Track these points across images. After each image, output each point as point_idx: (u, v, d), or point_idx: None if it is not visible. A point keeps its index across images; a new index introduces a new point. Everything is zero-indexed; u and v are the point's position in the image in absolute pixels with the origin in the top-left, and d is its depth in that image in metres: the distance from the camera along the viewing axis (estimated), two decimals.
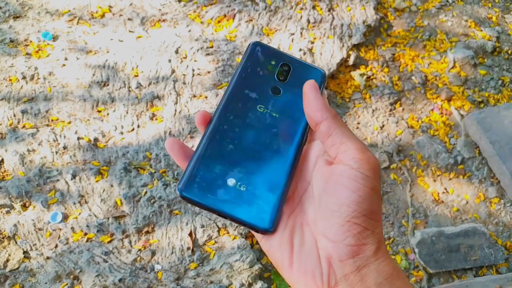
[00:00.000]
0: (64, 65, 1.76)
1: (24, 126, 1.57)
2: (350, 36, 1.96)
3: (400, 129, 1.79)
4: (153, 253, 1.36)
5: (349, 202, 0.33)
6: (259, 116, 0.40)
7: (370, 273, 0.32)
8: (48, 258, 1.31)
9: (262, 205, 0.36)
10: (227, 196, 0.36)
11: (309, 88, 0.38)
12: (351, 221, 0.32)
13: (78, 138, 1.55)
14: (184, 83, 1.76)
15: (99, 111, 1.65)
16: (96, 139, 1.56)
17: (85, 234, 1.36)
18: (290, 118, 0.40)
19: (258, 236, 0.37)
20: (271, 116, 0.40)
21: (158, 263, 1.34)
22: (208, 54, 1.83)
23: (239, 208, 0.36)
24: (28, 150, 1.50)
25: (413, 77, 1.95)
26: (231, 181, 0.37)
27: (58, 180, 1.46)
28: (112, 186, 1.46)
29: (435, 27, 2.13)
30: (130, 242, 1.37)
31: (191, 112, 1.68)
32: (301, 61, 0.43)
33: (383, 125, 1.80)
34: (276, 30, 1.97)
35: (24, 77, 1.68)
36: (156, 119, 1.66)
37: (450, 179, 1.67)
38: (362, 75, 1.92)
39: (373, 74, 1.94)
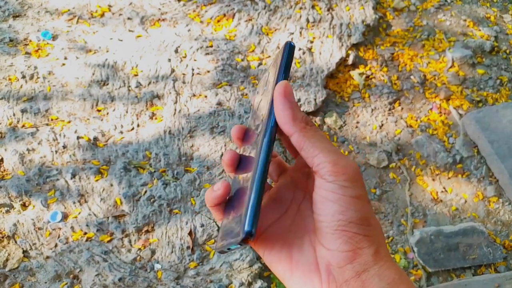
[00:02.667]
0: (63, 64, 1.76)
1: (23, 125, 1.57)
2: (349, 36, 1.97)
3: (399, 128, 1.79)
4: (153, 252, 1.36)
5: (333, 213, 0.33)
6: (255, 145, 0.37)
7: (371, 278, 0.32)
8: (47, 257, 1.31)
9: (239, 220, 0.33)
10: (229, 233, 0.35)
11: (277, 95, 0.35)
12: (339, 229, 0.33)
13: (78, 137, 1.55)
14: (183, 82, 1.76)
15: (98, 110, 1.65)
16: (95, 138, 1.56)
17: (85, 233, 1.36)
18: (264, 122, 0.36)
19: (260, 251, 0.37)
20: (257, 135, 0.37)
21: (158, 262, 1.35)
22: (207, 54, 1.84)
23: (229, 238, 0.34)
24: (28, 149, 1.50)
25: (412, 77, 1.95)
26: (230, 219, 0.36)
27: (57, 179, 1.46)
28: (111, 185, 1.46)
29: (434, 27, 2.14)
30: (130, 241, 1.38)
31: (190, 111, 1.68)
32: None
33: (382, 124, 1.80)
34: (275, 30, 1.97)
35: (23, 76, 1.68)
36: (155, 118, 1.66)
37: (449, 178, 1.67)
38: (361, 74, 1.93)
39: (372, 74, 1.94)
